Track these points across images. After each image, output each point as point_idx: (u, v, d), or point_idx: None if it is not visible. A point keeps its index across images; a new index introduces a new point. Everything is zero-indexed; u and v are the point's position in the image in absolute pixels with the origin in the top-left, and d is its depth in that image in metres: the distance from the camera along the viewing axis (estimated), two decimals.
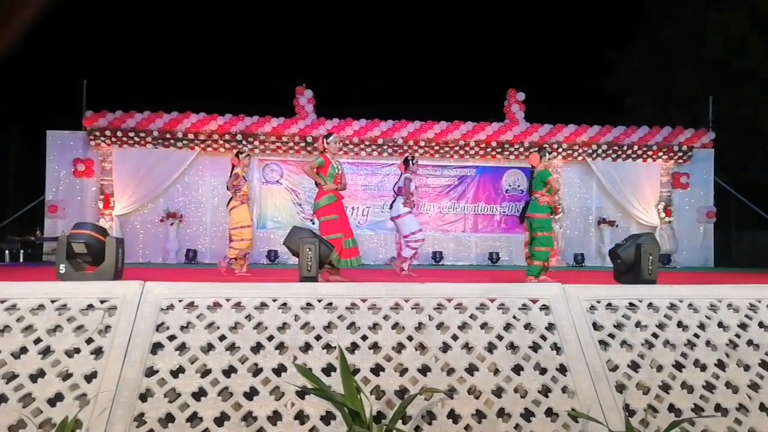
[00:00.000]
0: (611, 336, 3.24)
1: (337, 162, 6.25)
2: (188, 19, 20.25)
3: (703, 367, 3.17)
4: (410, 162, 7.56)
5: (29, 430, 2.60)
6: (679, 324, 3.35)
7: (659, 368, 3.14)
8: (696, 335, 3.30)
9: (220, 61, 19.93)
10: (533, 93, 13.15)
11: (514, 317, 3.25)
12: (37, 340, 2.91)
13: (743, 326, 3.39)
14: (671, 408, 2.98)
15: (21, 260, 11.64)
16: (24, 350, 2.87)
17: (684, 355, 3.21)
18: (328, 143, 6.20)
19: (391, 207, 7.72)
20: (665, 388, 3.06)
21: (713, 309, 3.47)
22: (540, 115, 12.93)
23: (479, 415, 2.87)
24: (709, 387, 3.09)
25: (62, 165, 12.13)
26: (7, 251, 11.43)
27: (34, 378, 2.78)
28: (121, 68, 17.60)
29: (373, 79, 19.67)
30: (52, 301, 3.06)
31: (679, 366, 3.16)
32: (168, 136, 11.92)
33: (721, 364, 3.20)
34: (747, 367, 3.20)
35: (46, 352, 2.89)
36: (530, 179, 6.32)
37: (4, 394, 2.72)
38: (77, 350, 2.90)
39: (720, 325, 3.38)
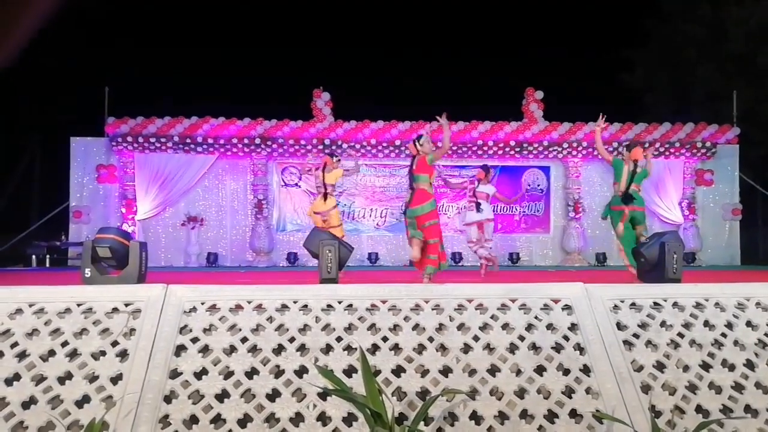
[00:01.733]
0: (636, 336, 3.19)
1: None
2: (206, 24, 20.50)
3: (732, 367, 3.10)
4: (489, 170, 8.18)
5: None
6: (706, 323, 3.28)
7: (686, 368, 3.08)
8: (723, 335, 3.23)
9: (238, 66, 20.13)
10: (552, 91, 13.03)
11: (536, 317, 3.22)
12: (64, 343, 2.96)
13: None
14: (699, 409, 2.92)
15: (47, 265, 11.88)
16: (52, 353, 2.93)
17: (711, 354, 3.15)
18: (420, 144, 5.62)
19: (478, 210, 7.74)
20: (692, 388, 3.01)
21: (741, 308, 3.39)
22: (559, 114, 12.82)
23: (502, 417, 2.85)
24: (738, 387, 3.03)
25: (86, 171, 12.37)
26: (33, 256, 11.68)
27: (61, 380, 2.84)
28: (142, 75, 17.88)
29: (390, 80, 19.71)
30: (78, 305, 3.12)
31: (706, 366, 3.10)
32: (188, 140, 12.08)
33: (750, 364, 3.13)
34: None
35: (73, 354, 2.94)
36: (633, 173, 6.26)
37: (33, 396, 2.77)
38: (103, 353, 2.95)
39: (748, 324, 3.30)
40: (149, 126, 11.95)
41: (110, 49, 18.57)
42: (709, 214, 13.21)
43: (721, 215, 13.25)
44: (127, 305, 3.14)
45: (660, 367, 3.08)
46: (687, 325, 3.27)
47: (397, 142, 12.41)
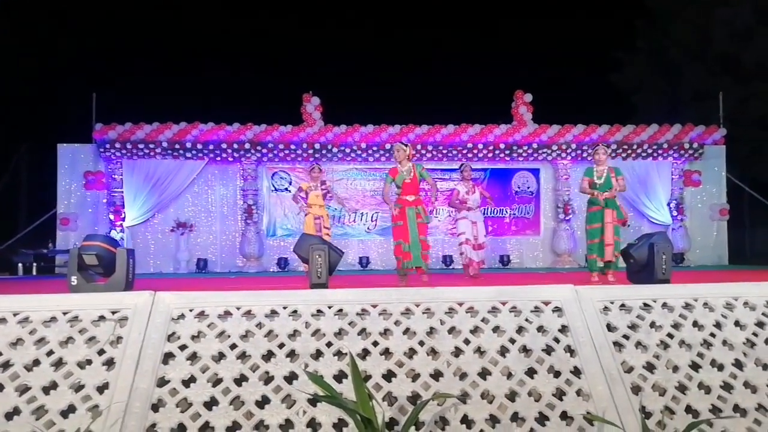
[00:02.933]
0: (625, 337, 3.20)
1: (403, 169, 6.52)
2: (194, 29, 20.41)
3: (721, 367, 3.12)
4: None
5: None
6: (695, 323, 3.30)
7: (675, 369, 3.10)
8: (712, 335, 3.25)
9: (227, 71, 20.07)
10: (540, 94, 13.10)
11: (527, 320, 3.22)
12: (50, 352, 2.92)
13: (761, 324, 3.33)
14: (688, 409, 2.93)
15: (34, 273, 11.72)
16: (36, 362, 2.89)
17: (700, 355, 3.16)
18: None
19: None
20: (682, 389, 3.02)
21: (729, 307, 3.41)
22: (548, 116, 12.88)
23: (493, 420, 2.84)
24: (727, 387, 3.04)
25: (73, 178, 12.23)
26: (20, 264, 11.52)
27: (46, 390, 2.79)
28: (129, 80, 17.78)
29: (380, 84, 19.72)
30: (64, 313, 3.08)
31: (695, 366, 3.12)
32: (177, 146, 11.99)
33: (738, 364, 3.15)
34: (766, 366, 3.15)
35: (59, 364, 2.90)
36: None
37: (17, 406, 2.73)
38: (89, 361, 2.91)
39: (737, 323, 3.32)
40: (137, 132, 11.85)
41: (98, 54, 18.47)
42: (697, 215, 13.31)
43: (709, 216, 13.35)
44: (114, 313, 3.10)
45: (650, 368, 3.09)
46: (676, 326, 3.28)
47: (387, 146, 12.40)
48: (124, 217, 12.03)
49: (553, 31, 21.51)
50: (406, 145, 6.66)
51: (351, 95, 17.32)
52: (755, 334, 3.27)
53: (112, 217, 11.95)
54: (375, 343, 3.07)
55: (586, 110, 14.35)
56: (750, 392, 3.03)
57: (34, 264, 11.72)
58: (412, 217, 6.32)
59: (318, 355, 3.02)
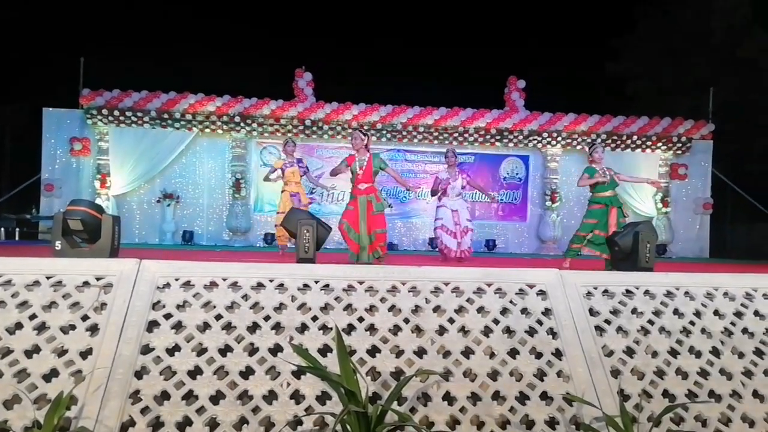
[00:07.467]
0: (607, 322, 3.25)
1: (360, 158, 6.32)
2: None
3: (698, 354, 3.19)
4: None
5: (24, 405, 2.60)
6: (675, 311, 3.36)
7: (654, 354, 3.16)
8: (692, 322, 3.32)
9: (220, 43, 19.74)
10: (534, 81, 13.08)
11: (511, 302, 3.26)
12: (32, 316, 2.90)
13: (739, 314, 3.41)
14: (665, 393, 3.00)
15: (16, 238, 11.59)
16: (19, 326, 2.86)
17: (679, 341, 3.23)
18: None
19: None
20: (660, 374, 3.08)
21: (709, 297, 3.48)
22: (540, 103, 12.88)
23: (474, 398, 2.89)
24: (704, 373, 3.12)
25: (59, 143, 12.02)
26: (2, 229, 11.38)
27: (29, 354, 2.78)
28: (118, 47, 17.41)
29: (373, 64, 19.54)
30: (48, 278, 3.05)
31: (674, 352, 3.18)
32: (165, 116, 11.81)
33: (715, 351, 3.22)
34: (741, 355, 3.23)
35: (41, 328, 2.88)
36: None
37: None
38: (72, 327, 2.89)
39: (716, 312, 3.39)
40: (125, 99, 11.64)
41: (87, 18, 18.05)
42: (681, 208, 13.48)
43: (693, 209, 13.54)
44: (98, 279, 3.08)
45: (630, 352, 3.15)
46: (657, 313, 3.34)
47: (379, 126, 12.34)
48: (110, 186, 11.88)
49: (550, 18, 21.42)
50: (365, 135, 6.37)
51: (344, 73, 17.18)
52: (733, 324, 3.35)
53: (97, 184, 11.79)
54: (360, 319, 3.09)
55: (579, 99, 14.39)
56: (725, 379, 3.10)
57: (17, 229, 11.58)
58: (363, 206, 6.16)
59: (303, 328, 3.03)
